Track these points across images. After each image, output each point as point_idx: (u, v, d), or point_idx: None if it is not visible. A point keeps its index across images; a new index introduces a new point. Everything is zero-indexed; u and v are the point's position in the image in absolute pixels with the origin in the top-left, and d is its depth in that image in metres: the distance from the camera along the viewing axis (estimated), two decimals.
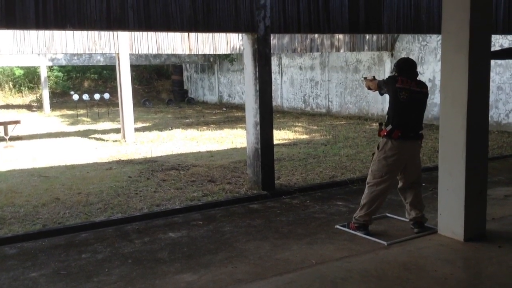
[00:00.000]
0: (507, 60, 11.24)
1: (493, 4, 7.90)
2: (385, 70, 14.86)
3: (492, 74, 11.07)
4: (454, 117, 4.21)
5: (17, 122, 12.30)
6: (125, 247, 4.75)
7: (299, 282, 3.53)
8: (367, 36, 13.84)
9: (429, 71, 13.55)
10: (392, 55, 14.73)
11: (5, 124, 11.87)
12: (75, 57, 17.90)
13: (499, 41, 11.38)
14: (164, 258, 4.42)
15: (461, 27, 4.11)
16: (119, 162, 9.10)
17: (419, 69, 11.10)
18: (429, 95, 4.80)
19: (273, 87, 18.49)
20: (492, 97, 11.72)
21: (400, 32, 8.50)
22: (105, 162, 9.15)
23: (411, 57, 13.23)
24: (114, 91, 21.22)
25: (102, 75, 27.48)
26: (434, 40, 13.31)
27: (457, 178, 4.21)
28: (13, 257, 4.59)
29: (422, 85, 4.72)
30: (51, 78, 26.00)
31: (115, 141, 12.00)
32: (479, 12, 4.10)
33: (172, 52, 12.09)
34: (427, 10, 7.71)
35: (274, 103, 16.07)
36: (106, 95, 20.08)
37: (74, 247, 4.79)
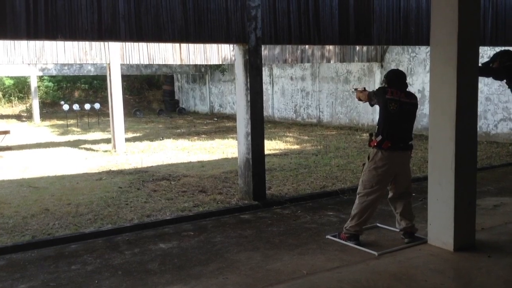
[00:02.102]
0: None
1: (481, 16, 8.02)
2: (375, 81, 14.98)
3: (480, 85, 11.20)
4: (443, 128, 4.25)
5: (6, 132, 12.22)
6: (115, 258, 4.72)
7: None
8: (357, 48, 13.97)
9: (419, 82, 13.68)
10: (382, 66, 14.85)
11: None
12: (66, 67, 17.84)
13: (487, 53, 11.53)
14: (154, 269, 4.39)
15: (449, 39, 4.17)
16: (109, 173, 9.06)
17: (408, 80, 11.21)
18: (418, 106, 4.86)
19: (264, 97, 18.49)
20: (480, 108, 11.84)
21: (390, 44, 8.60)
22: (95, 173, 9.10)
23: (400, 68, 13.41)
24: (104, 101, 21.17)
25: (93, 85, 27.39)
26: (423, 52, 13.45)
27: (447, 188, 4.25)
28: (2, 268, 4.53)
29: (412, 96, 4.77)
30: (41, 88, 25.86)
31: (106, 151, 11.94)
32: (467, 24, 4.16)
33: (163, 63, 12.12)
34: (416, 22, 7.81)
35: (265, 113, 16.10)
36: (97, 105, 20.01)
37: (64, 259, 4.75)
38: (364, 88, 5.14)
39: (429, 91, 4.49)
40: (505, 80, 5.42)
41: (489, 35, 8.57)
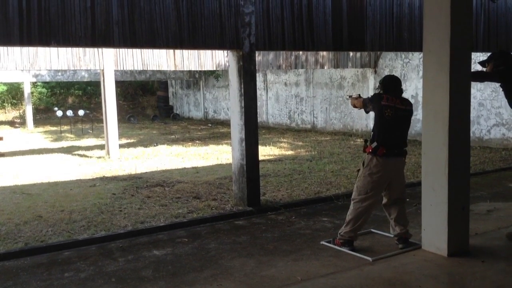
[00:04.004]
0: None
1: (473, 23, 8.08)
2: (369, 87, 15.03)
3: (473, 91, 11.26)
4: (436, 134, 4.27)
5: None
6: (108, 265, 4.69)
7: None
8: (351, 53, 14.03)
9: (412, 88, 13.75)
10: (375, 72, 14.92)
11: None
12: (59, 73, 17.80)
13: (479, 58, 11.61)
14: (148, 276, 4.37)
15: (441, 45, 4.20)
16: (103, 179, 9.02)
17: (402, 86, 11.24)
18: (412, 112, 4.87)
19: (259, 103, 18.57)
20: (473, 113, 11.92)
21: (383, 50, 8.64)
22: (89, 179, 9.06)
23: (394, 74, 13.42)
24: (98, 107, 21.11)
25: (87, 91, 27.32)
26: (416, 58, 13.53)
27: (440, 193, 4.26)
28: None
29: (407, 102, 4.78)
30: (34, 94, 25.77)
31: (99, 157, 11.90)
32: (459, 30, 4.19)
33: (158, 68, 12.10)
34: (409, 28, 7.86)
35: (259, 119, 16.13)
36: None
37: (57, 266, 4.71)
38: (359, 95, 5.15)
39: (422, 97, 4.51)
40: (499, 83, 5.39)
41: (481, 41, 8.64)
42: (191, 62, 12.10)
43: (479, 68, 5.62)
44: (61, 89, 27.11)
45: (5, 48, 10.23)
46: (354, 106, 5.08)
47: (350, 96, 5.15)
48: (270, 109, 19.49)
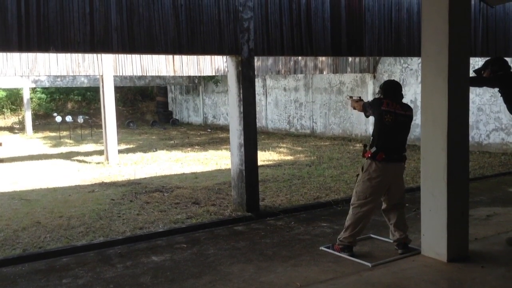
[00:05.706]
0: None
1: (472, 28, 8.10)
2: (368, 92, 15.05)
3: (472, 96, 11.29)
4: (435, 139, 4.27)
5: None
6: (106, 271, 4.67)
7: None
8: (350, 59, 14.05)
9: (411, 93, 13.76)
10: (374, 77, 14.94)
11: None
12: (59, 79, 17.81)
13: (478, 63, 11.63)
14: (146, 282, 4.35)
15: (440, 50, 4.20)
16: (102, 185, 9.00)
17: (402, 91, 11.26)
18: (412, 117, 4.87)
19: (258, 108, 18.57)
20: (472, 118, 11.92)
21: (381, 55, 8.65)
22: (88, 185, 9.05)
23: (393, 79, 13.43)
24: (98, 113, 21.09)
25: (86, 97, 27.34)
26: (415, 63, 13.56)
27: (439, 199, 4.25)
28: None
29: (407, 108, 4.76)
30: (34, 99, 25.79)
31: (98, 163, 11.88)
32: (457, 35, 4.20)
33: (157, 74, 12.11)
34: (407, 34, 7.87)
35: (258, 124, 16.14)
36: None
37: (55, 272, 4.69)
38: (360, 97, 5.13)
39: (420, 101, 4.51)
40: (497, 88, 5.39)
41: (480, 46, 8.66)
42: (190, 67, 12.11)
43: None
44: (60, 94, 27.13)
45: (4, 54, 10.23)
46: (354, 108, 5.08)
47: (351, 97, 5.14)
48: (269, 114, 19.50)
